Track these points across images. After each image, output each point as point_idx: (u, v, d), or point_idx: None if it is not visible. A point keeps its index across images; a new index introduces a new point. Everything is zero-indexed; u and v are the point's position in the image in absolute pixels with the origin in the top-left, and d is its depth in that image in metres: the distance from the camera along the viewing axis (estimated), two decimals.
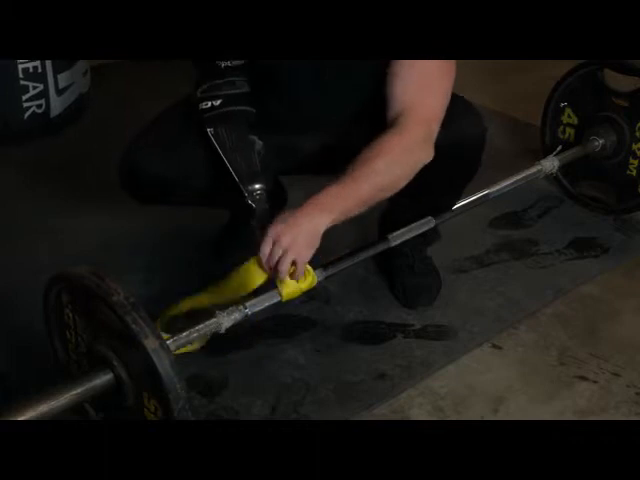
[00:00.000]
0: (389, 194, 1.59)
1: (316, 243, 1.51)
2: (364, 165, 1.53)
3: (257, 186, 1.56)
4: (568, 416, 1.69)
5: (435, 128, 1.60)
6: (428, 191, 1.77)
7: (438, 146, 1.62)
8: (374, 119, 1.63)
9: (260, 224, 1.55)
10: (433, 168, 1.67)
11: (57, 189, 2.34)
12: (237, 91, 1.58)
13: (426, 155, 1.60)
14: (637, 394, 1.75)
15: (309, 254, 1.51)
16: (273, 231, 1.49)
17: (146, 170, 1.65)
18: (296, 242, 1.48)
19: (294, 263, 1.50)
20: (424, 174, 1.70)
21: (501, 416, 1.69)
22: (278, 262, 1.50)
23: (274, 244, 1.49)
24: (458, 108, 1.69)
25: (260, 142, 1.60)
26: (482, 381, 1.78)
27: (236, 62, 1.60)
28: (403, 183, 1.59)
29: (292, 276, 1.52)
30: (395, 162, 1.56)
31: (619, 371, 1.81)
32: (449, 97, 1.63)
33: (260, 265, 1.53)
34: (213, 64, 1.60)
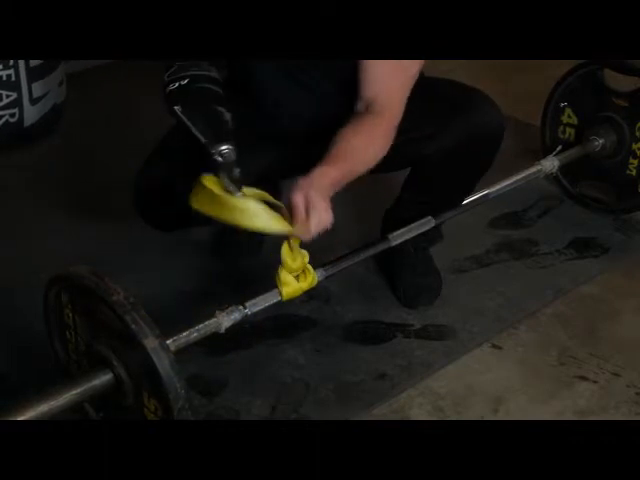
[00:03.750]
0: (364, 171, 1.61)
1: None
2: (348, 143, 1.57)
3: (224, 146, 1.50)
4: (568, 416, 1.69)
5: (400, 114, 1.64)
6: (439, 188, 1.77)
7: (458, 137, 1.65)
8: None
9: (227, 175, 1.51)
10: (448, 163, 1.68)
11: (57, 188, 2.34)
12: (204, 72, 1.58)
13: (388, 146, 1.63)
14: (637, 394, 1.75)
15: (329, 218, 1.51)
16: (303, 189, 1.48)
17: (159, 199, 1.67)
18: (321, 198, 1.48)
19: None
20: (439, 169, 1.71)
21: (501, 416, 1.69)
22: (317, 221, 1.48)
23: (312, 205, 1.47)
24: (477, 99, 1.69)
25: (229, 114, 1.57)
26: (482, 381, 1.78)
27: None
28: (374, 163, 1.62)
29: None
30: (375, 141, 1.60)
31: (619, 371, 1.81)
32: (412, 83, 1.66)
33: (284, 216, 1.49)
34: None
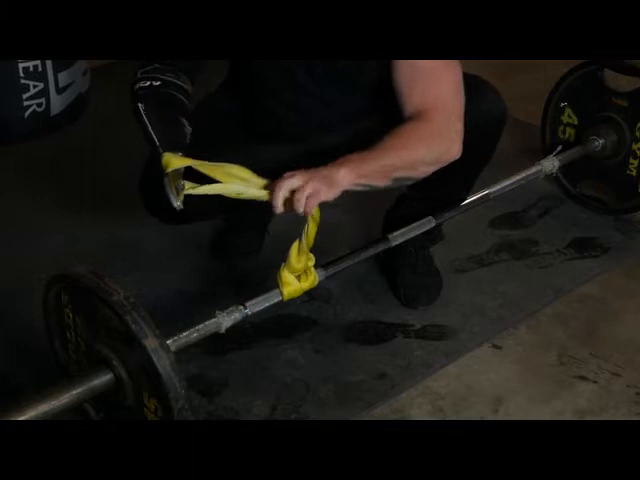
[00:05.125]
0: (412, 175, 1.59)
1: (337, 189, 1.47)
2: (393, 138, 1.54)
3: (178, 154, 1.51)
4: (568, 416, 1.69)
5: (457, 121, 1.60)
6: (441, 184, 1.76)
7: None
8: (357, 125, 1.63)
9: None
10: None
11: (57, 188, 2.34)
12: (177, 82, 1.58)
13: (455, 149, 1.60)
14: (637, 394, 1.75)
15: (328, 193, 1.46)
16: (292, 172, 1.46)
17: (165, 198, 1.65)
18: (313, 178, 1.44)
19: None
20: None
21: (501, 416, 1.69)
22: (295, 191, 1.44)
23: (295, 176, 1.45)
24: (475, 87, 1.69)
25: (189, 127, 1.57)
26: (482, 381, 1.78)
27: None
28: (427, 169, 1.59)
29: (300, 203, 1.44)
30: (422, 142, 1.56)
31: (619, 371, 1.81)
32: (462, 88, 1.61)
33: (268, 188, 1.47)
34: None
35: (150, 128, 1.52)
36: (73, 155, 2.49)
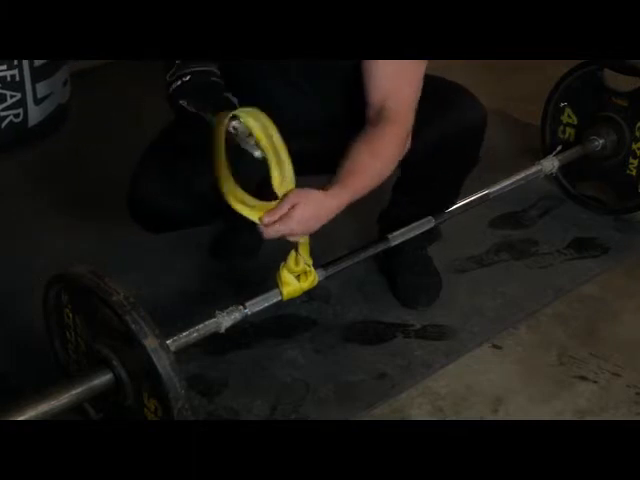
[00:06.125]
0: (381, 181, 1.61)
1: (324, 222, 1.51)
2: (371, 153, 1.55)
3: (234, 121, 1.49)
4: (568, 416, 1.69)
5: (412, 117, 1.62)
6: (428, 186, 1.77)
7: (439, 134, 1.65)
8: (353, 121, 1.63)
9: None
10: (434, 159, 1.68)
11: (57, 189, 2.34)
12: (204, 68, 1.58)
13: (407, 146, 1.63)
14: (637, 394, 1.75)
15: (312, 230, 1.50)
16: (296, 199, 1.47)
17: (154, 206, 1.66)
18: (309, 219, 1.47)
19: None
20: (426, 166, 1.71)
21: (501, 416, 1.69)
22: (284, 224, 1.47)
23: (289, 215, 1.46)
24: (454, 94, 1.70)
25: (235, 99, 1.58)
26: (482, 381, 1.78)
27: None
28: (392, 170, 1.61)
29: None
30: (394, 149, 1.59)
31: (619, 371, 1.80)
32: (421, 85, 1.64)
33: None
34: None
35: (203, 114, 1.53)
36: (75, 155, 2.49)
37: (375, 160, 1.56)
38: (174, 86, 1.57)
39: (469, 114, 1.74)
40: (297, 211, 1.46)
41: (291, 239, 1.51)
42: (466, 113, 1.74)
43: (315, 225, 1.50)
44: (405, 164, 1.75)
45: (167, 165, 1.65)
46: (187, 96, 1.55)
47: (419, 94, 1.63)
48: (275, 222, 1.46)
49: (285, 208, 1.46)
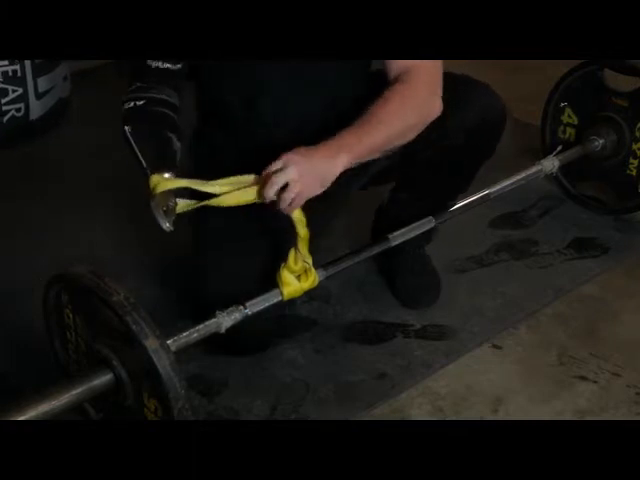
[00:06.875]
0: (400, 141, 1.58)
1: (327, 184, 1.47)
2: (378, 110, 1.52)
3: (165, 174, 1.49)
4: (568, 416, 1.69)
5: (438, 83, 1.59)
6: (435, 181, 1.76)
7: (457, 128, 1.65)
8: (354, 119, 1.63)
9: None
10: (455, 152, 1.67)
11: (56, 189, 2.34)
12: (163, 96, 1.57)
13: (437, 106, 1.59)
14: (637, 394, 1.75)
15: (317, 191, 1.46)
16: (287, 157, 1.44)
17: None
18: (308, 174, 1.44)
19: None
20: (444, 157, 1.70)
21: (501, 416, 1.69)
22: (282, 189, 1.44)
23: (283, 169, 1.43)
24: (472, 87, 1.70)
25: (178, 143, 1.56)
26: (482, 381, 1.78)
27: (167, 65, 1.57)
28: (413, 133, 1.58)
29: (285, 203, 1.44)
30: (407, 107, 1.56)
31: (619, 371, 1.80)
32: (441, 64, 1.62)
33: (258, 183, 1.46)
34: (144, 64, 1.58)
35: (137, 152, 1.52)
36: (71, 156, 2.49)
37: (392, 115, 1.53)
38: (127, 106, 1.56)
39: (490, 104, 1.73)
40: (289, 166, 1.42)
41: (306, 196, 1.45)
42: (487, 104, 1.73)
43: (317, 175, 1.45)
44: (413, 159, 1.74)
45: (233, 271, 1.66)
46: (133, 123, 1.54)
47: (441, 68, 1.60)
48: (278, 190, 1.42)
49: (271, 172, 1.43)
